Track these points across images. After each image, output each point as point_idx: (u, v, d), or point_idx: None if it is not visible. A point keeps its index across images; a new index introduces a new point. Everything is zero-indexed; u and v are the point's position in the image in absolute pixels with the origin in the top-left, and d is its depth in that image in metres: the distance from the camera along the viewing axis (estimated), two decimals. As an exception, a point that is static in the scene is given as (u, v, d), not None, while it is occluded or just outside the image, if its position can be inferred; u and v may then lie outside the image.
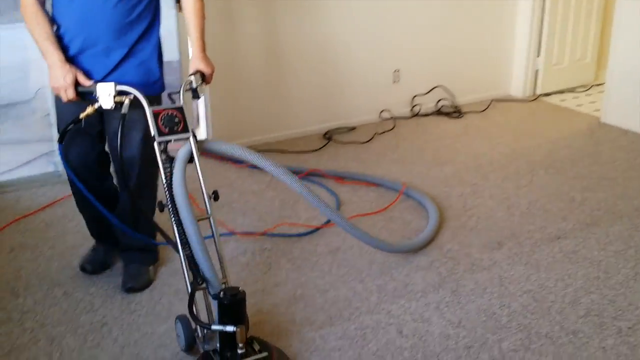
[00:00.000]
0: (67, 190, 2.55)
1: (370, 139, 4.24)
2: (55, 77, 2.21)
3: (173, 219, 2.05)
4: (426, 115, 4.71)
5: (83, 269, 2.66)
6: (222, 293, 1.96)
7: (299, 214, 3.22)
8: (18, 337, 2.29)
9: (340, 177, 3.61)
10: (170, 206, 2.06)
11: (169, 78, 4.27)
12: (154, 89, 2.40)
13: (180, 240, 2.06)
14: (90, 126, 2.36)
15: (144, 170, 2.46)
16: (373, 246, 2.70)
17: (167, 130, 2.13)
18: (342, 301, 2.50)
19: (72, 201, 2.64)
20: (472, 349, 2.22)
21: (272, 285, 2.61)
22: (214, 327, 1.95)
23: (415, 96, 4.72)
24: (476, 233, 3.01)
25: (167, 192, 2.07)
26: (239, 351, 1.93)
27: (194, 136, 2.18)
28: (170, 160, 2.12)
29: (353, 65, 4.38)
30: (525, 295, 2.51)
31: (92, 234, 2.74)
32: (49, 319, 2.38)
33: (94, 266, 2.67)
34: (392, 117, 4.59)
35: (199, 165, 2.18)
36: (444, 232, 3.01)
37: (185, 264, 2.09)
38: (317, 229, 3.06)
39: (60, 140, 2.27)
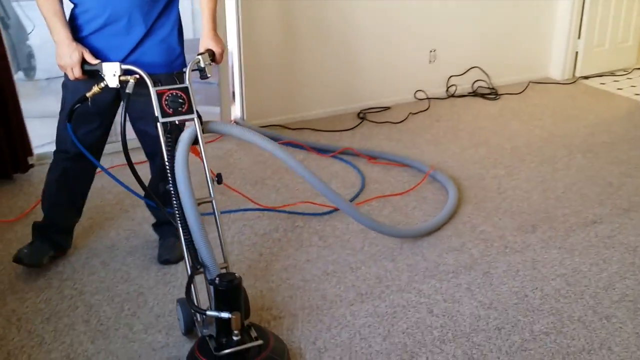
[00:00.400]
0: (105, 162, 2.59)
1: (405, 119, 4.22)
2: (61, 54, 2.17)
3: (174, 202, 2.01)
4: (462, 96, 4.66)
5: (19, 260, 2.48)
6: (217, 279, 1.92)
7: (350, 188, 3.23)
8: (57, 304, 2.36)
9: (372, 157, 3.60)
10: (172, 189, 2.02)
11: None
12: (175, 65, 2.36)
13: (181, 224, 2.02)
14: (101, 107, 2.30)
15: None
16: (376, 230, 2.68)
17: (171, 111, 2.08)
18: (373, 279, 2.52)
19: (105, 176, 2.67)
20: (502, 330, 2.21)
21: (304, 262, 2.63)
22: (209, 313, 1.90)
23: (451, 77, 4.67)
24: (510, 215, 2.99)
25: (169, 175, 2.03)
26: (234, 338, 1.90)
27: (199, 117, 2.13)
28: (174, 142, 2.08)
29: (389, 44, 4.35)
30: (558, 279, 2.49)
31: (40, 227, 2.60)
32: (87, 287, 2.45)
33: (30, 258, 2.50)
34: (427, 98, 4.55)
35: (203, 147, 2.13)
36: (477, 214, 3.00)
37: (185, 247, 2.05)
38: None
39: (69, 119, 2.19)
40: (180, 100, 2.09)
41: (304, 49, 4.10)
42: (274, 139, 3.83)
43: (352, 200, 3.15)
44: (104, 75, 2.11)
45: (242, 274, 2.52)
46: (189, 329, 2.15)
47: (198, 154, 2.17)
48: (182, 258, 2.62)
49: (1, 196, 3.13)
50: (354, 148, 3.69)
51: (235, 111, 4.09)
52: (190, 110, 2.11)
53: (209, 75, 2.25)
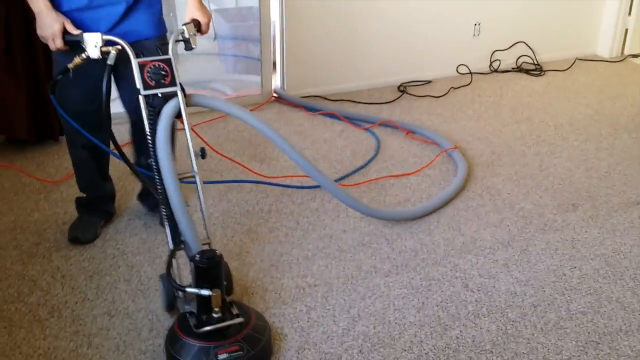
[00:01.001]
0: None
1: (446, 94, 4.16)
2: (42, 25, 2.08)
3: (156, 176, 1.97)
4: (505, 71, 4.57)
5: (75, 239, 2.52)
6: (197, 256, 1.89)
7: (369, 165, 3.23)
8: (100, 262, 2.42)
9: (410, 130, 3.57)
10: (153, 163, 1.98)
11: (248, 24, 4.31)
12: (161, 27, 2.31)
13: (161, 199, 1.98)
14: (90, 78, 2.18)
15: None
16: (357, 210, 2.61)
17: (153, 83, 2.01)
18: (409, 251, 2.52)
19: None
20: (538, 307, 2.20)
21: (340, 232, 2.65)
22: (189, 290, 1.88)
23: (495, 51, 4.58)
24: (551, 193, 2.95)
25: (151, 149, 1.98)
26: (215, 315, 1.87)
27: (182, 90, 2.07)
28: (157, 115, 2.02)
29: (432, 17, 4.28)
30: (597, 259, 2.46)
31: (85, 202, 2.63)
32: (129, 248, 2.51)
33: (85, 234, 2.54)
34: (469, 72, 4.48)
35: (187, 120, 2.06)
36: (518, 191, 2.96)
37: (166, 223, 2.02)
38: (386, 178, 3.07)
39: (52, 91, 2.13)
40: (163, 72, 2.02)
41: (346, 21, 4.06)
42: (312, 109, 3.87)
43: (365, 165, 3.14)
44: (86, 46, 2.03)
45: (280, 242, 2.56)
46: (170, 306, 2.11)
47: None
48: None
49: (47, 157, 3.21)
50: (388, 119, 3.67)
51: (276, 81, 4.10)
52: (173, 83, 2.04)
53: (194, 46, 2.18)
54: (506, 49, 4.59)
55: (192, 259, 1.92)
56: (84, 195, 2.62)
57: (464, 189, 2.98)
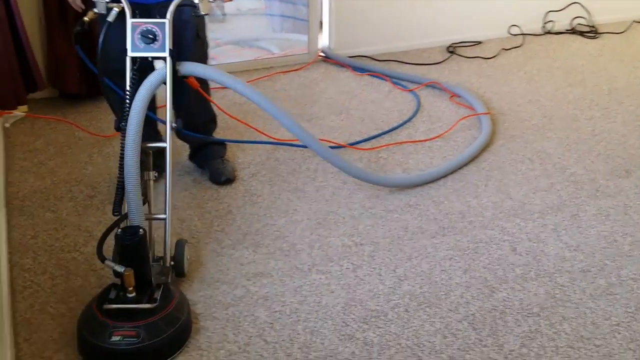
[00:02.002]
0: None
1: (496, 55, 4.07)
2: None
3: (121, 142, 1.93)
4: (559, 33, 4.43)
5: None
6: (120, 230, 1.86)
7: (416, 125, 3.20)
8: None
9: (452, 94, 3.51)
10: (123, 127, 1.94)
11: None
12: None
13: (119, 165, 1.93)
14: None
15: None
16: (350, 174, 2.57)
17: (142, 45, 2.00)
18: (456, 214, 2.51)
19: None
20: (588, 273, 2.17)
21: (387, 192, 2.65)
22: (107, 262, 1.83)
23: (548, 12, 4.43)
24: (604, 159, 2.88)
25: (126, 112, 1.94)
26: (129, 295, 1.83)
27: (171, 57, 2.02)
28: (140, 79, 1.99)
29: (484, -25, 4.16)
30: (651, 226, 2.41)
31: None
32: (179, 202, 2.56)
33: None
34: (521, 33, 4.36)
35: (170, 88, 2.03)
36: (569, 156, 2.90)
37: (115, 192, 1.96)
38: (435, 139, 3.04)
39: (76, 41, 2.11)
40: (151, 36, 2.00)
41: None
42: (360, 69, 3.83)
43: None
44: (96, 3, 2.07)
45: (326, 200, 2.58)
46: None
47: (197, 85, 2.14)
48: (235, 173, 2.70)
49: (99, 112, 3.28)
50: (439, 82, 3.61)
51: (323, 40, 4.06)
52: (162, 48, 2.00)
53: (203, 12, 2.10)
54: (560, 10, 4.44)
55: (116, 233, 1.89)
56: None
57: (513, 152, 2.93)
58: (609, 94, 3.53)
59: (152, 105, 2.53)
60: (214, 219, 2.47)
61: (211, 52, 2.72)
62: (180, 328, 1.85)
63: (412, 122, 3.24)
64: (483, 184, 2.70)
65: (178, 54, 2.09)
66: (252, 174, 2.78)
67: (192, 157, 2.78)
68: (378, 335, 1.92)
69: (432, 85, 3.60)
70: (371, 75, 3.76)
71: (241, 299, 2.05)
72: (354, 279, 2.16)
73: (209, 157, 2.73)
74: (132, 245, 1.83)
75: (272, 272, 2.19)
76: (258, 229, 2.41)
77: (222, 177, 2.68)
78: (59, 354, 1.85)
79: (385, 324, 1.97)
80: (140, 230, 1.86)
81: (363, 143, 3.03)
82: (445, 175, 2.74)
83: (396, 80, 3.71)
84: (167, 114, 2.06)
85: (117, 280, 1.87)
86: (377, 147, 2.99)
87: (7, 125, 3.05)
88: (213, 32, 3.57)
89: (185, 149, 2.85)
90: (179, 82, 2.12)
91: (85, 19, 2.09)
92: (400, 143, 3.03)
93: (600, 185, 2.68)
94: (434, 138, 3.07)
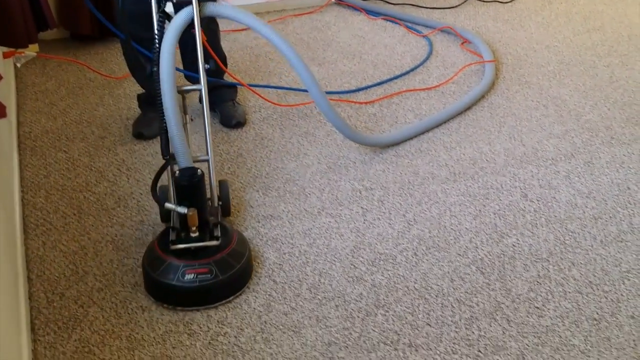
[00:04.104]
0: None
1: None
2: None
3: (157, 86, 1.89)
4: (579, -23, 4.29)
5: (140, 135, 2.58)
6: (178, 173, 1.86)
7: (430, 70, 3.15)
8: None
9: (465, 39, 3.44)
10: (156, 73, 1.90)
11: None
12: None
13: (159, 112, 1.90)
14: None
15: (205, 27, 2.28)
16: (344, 134, 2.44)
17: None
18: (468, 160, 2.49)
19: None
20: (599, 220, 2.16)
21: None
22: (167, 205, 1.84)
23: (570, -45, 4.29)
24: (620, 106, 2.83)
25: (155, 57, 1.90)
26: (192, 234, 1.85)
27: None
28: (166, 21, 1.93)
29: None
30: (665, 175, 2.38)
31: (146, 98, 2.64)
32: (191, 145, 2.54)
33: (150, 130, 2.57)
34: (540, -23, 4.23)
35: (199, 31, 1.96)
36: (585, 102, 2.85)
37: (160, 136, 1.95)
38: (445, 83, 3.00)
39: None
40: None
41: None
42: (373, 12, 3.75)
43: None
44: None
45: (337, 145, 2.56)
46: (165, 217, 2.10)
47: (204, 39, 2.06)
48: (245, 117, 2.68)
49: (110, 54, 3.25)
50: (453, 26, 3.53)
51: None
52: None
53: None
54: (582, -47, 4.29)
55: (173, 174, 1.90)
56: (144, 92, 2.66)
57: (528, 98, 2.89)
58: (628, 40, 3.44)
59: None
60: (225, 162, 2.47)
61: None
62: (246, 262, 1.90)
63: (424, 66, 3.19)
64: (496, 130, 2.67)
65: None
66: (263, 117, 2.76)
67: (202, 99, 2.76)
68: (386, 277, 1.94)
69: (447, 30, 3.53)
70: (385, 19, 3.69)
71: (251, 241, 2.07)
72: (363, 223, 2.16)
73: (220, 100, 2.71)
74: (191, 186, 1.84)
75: (282, 214, 2.20)
76: (268, 172, 2.41)
77: (233, 121, 2.66)
78: (71, 290, 1.89)
79: (394, 267, 1.98)
80: (198, 171, 1.87)
81: (364, 96, 2.96)
82: (433, 128, 2.68)
83: (410, 24, 3.63)
84: (199, 55, 1.99)
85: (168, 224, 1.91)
86: (372, 101, 2.95)
87: (18, 65, 3.04)
88: (224, -27, 3.49)
89: (195, 92, 2.83)
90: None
91: None
92: (397, 93, 2.98)
93: (615, 133, 2.64)
94: (435, 86, 3.02)
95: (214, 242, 1.87)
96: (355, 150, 2.54)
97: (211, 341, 1.73)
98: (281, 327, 1.77)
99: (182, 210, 1.81)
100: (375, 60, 3.26)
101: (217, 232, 1.91)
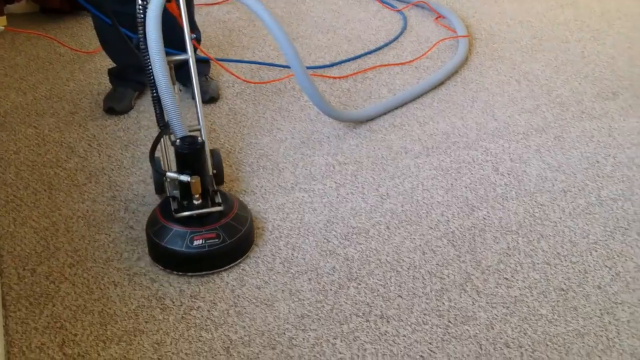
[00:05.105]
0: None
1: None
2: None
3: (145, 57, 1.88)
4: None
5: (111, 110, 2.56)
6: (178, 141, 1.86)
7: (404, 45, 3.15)
8: (135, 133, 2.46)
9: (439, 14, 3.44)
10: (142, 43, 1.88)
11: None
12: None
13: (149, 82, 1.90)
14: None
15: None
16: (322, 111, 2.43)
17: None
18: (440, 134, 2.50)
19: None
20: (568, 193, 2.20)
21: (372, 112, 2.63)
22: (169, 174, 1.85)
23: None
24: (591, 81, 2.86)
25: (140, 28, 1.88)
26: (195, 202, 1.87)
27: None
28: None
29: None
30: (634, 148, 2.42)
31: (117, 73, 2.63)
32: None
33: (120, 105, 2.57)
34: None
35: (183, 1, 1.97)
36: (556, 77, 2.88)
37: (153, 105, 1.95)
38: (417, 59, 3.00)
39: None
40: None
41: None
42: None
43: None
44: None
45: (311, 120, 2.56)
46: (159, 189, 2.12)
47: (177, 13, 2.03)
48: (218, 92, 2.66)
49: (81, 28, 3.19)
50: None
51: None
52: None
53: None
54: None
55: (173, 143, 1.90)
56: (115, 66, 2.62)
57: (500, 73, 2.91)
58: (600, 15, 3.47)
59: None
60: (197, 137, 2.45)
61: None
62: (249, 226, 1.95)
63: (398, 41, 3.19)
64: (469, 105, 2.69)
65: None
66: (236, 92, 2.74)
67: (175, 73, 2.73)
68: (359, 251, 1.96)
69: (421, 5, 3.52)
70: (360, -7, 3.67)
71: (224, 216, 2.06)
72: (337, 197, 2.17)
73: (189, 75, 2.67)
74: (192, 154, 1.86)
75: (255, 189, 2.20)
76: (242, 147, 2.41)
77: (206, 96, 2.64)
78: (42, 266, 1.87)
79: (366, 241, 1.99)
80: (199, 138, 1.89)
81: (338, 71, 2.96)
82: (405, 104, 2.69)
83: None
84: (185, 24, 2.00)
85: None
86: (346, 76, 2.94)
87: (-15, 39, 2.98)
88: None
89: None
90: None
91: None
92: (371, 68, 2.98)
93: (586, 107, 2.67)
94: (409, 62, 3.03)
95: (219, 208, 1.90)
96: (329, 125, 2.54)
97: (184, 315, 1.73)
98: (254, 300, 1.78)
99: (185, 178, 1.82)
100: (350, 35, 3.25)
101: (217, 199, 1.94)
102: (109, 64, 2.67)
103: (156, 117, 1.96)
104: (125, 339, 1.66)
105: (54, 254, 1.91)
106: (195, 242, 1.83)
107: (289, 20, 3.36)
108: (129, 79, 2.61)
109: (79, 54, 2.97)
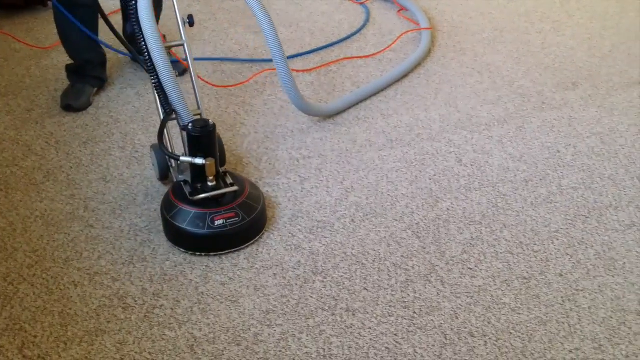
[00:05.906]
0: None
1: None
2: None
3: (142, 44, 1.89)
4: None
5: (68, 107, 2.50)
6: (190, 125, 1.88)
7: (367, 38, 3.15)
8: (94, 130, 2.42)
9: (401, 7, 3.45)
10: (137, 31, 1.89)
11: None
12: None
13: (148, 68, 1.91)
14: None
15: None
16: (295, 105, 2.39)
17: None
18: (404, 127, 2.51)
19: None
20: (530, 182, 2.22)
21: (336, 106, 2.62)
22: (183, 158, 1.87)
23: None
24: (552, 72, 2.90)
25: (133, 15, 1.89)
26: (209, 184, 1.90)
27: None
28: None
29: None
30: (593, 137, 2.46)
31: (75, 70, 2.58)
32: (122, 116, 2.49)
33: (78, 102, 2.52)
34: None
35: None
36: (518, 69, 2.91)
37: (155, 92, 1.97)
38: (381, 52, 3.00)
39: None
40: None
41: None
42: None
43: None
44: None
45: (274, 114, 2.55)
46: (164, 175, 2.13)
47: None
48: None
49: (37, 23, 3.12)
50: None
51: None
52: None
53: None
54: None
55: (184, 127, 1.91)
56: (73, 63, 2.57)
57: (463, 65, 2.92)
58: (560, 6, 3.52)
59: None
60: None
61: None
62: (263, 204, 2.00)
63: (362, 34, 3.18)
64: (432, 97, 2.70)
65: None
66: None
67: (136, 59, 2.68)
68: (324, 245, 1.95)
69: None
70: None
71: (187, 212, 2.04)
72: (301, 192, 2.16)
73: None
74: (205, 136, 1.87)
75: (219, 185, 2.17)
76: (204, 142, 2.38)
77: None
78: (0, 268, 1.82)
79: (332, 234, 1.99)
80: (210, 121, 1.89)
81: (302, 64, 2.95)
82: (373, 95, 2.70)
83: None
84: (176, 10, 2.03)
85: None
86: (310, 69, 2.93)
87: (-64, 36, 2.89)
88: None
89: (126, 59, 2.76)
90: None
91: None
92: (335, 62, 2.98)
93: (546, 98, 2.71)
94: (373, 54, 3.03)
95: (234, 188, 1.93)
96: (292, 119, 2.52)
97: (147, 314, 1.71)
98: (219, 297, 1.76)
99: (200, 161, 1.84)
100: (313, 28, 3.23)
101: (229, 179, 1.97)
102: (66, 60, 2.61)
103: (160, 102, 1.98)
104: (87, 340, 1.63)
105: (11, 254, 1.86)
106: (217, 222, 1.87)
107: (250, 14, 3.31)
108: (88, 75, 2.56)
109: (34, 49, 2.89)
